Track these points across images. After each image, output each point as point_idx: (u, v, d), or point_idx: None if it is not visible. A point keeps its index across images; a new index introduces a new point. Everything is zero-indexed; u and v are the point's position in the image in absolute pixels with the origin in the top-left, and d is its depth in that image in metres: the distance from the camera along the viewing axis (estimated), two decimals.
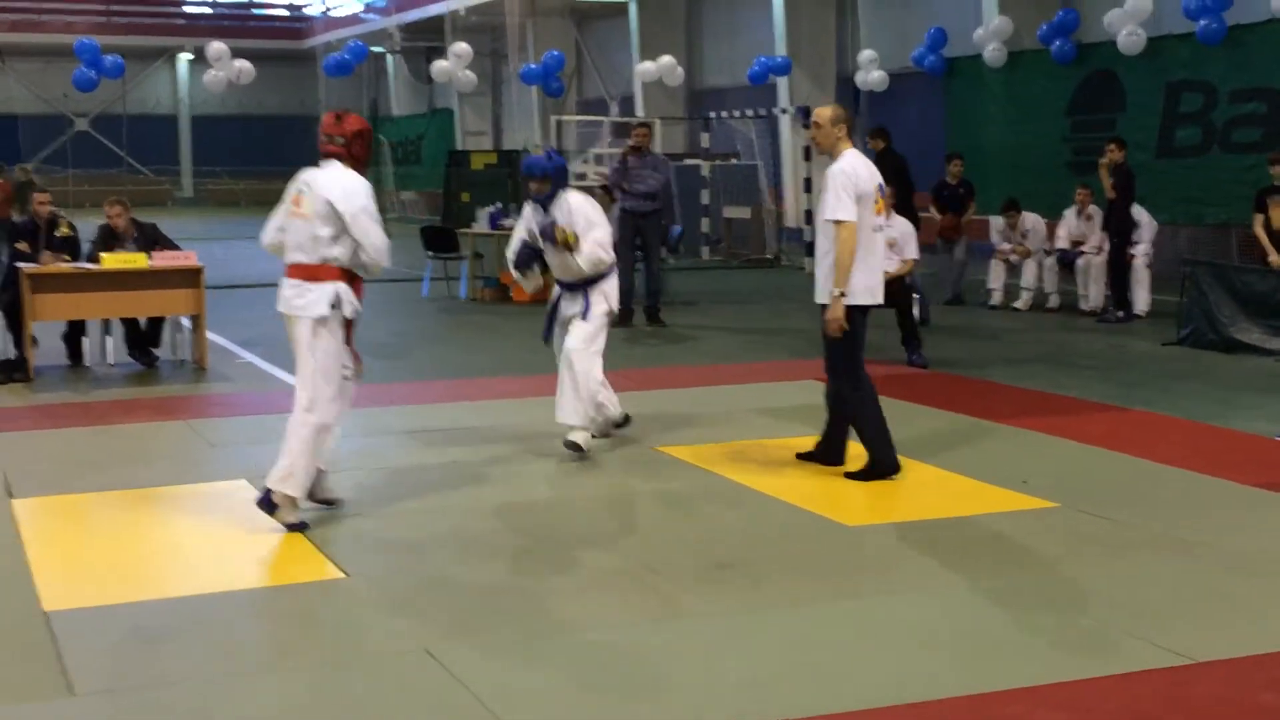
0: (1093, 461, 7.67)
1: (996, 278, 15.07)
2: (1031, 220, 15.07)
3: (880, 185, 7.09)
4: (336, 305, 6.26)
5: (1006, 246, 15.08)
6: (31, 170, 21.97)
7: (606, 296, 7.97)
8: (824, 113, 7.20)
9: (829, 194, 6.95)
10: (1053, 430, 8.38)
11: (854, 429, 7.29)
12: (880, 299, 7.20)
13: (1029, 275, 14.82)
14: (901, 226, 11.39)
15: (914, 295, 11.22)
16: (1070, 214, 14.76)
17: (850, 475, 7.17)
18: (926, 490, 7.00)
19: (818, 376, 10.31)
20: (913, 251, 11.32)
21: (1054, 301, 14.69)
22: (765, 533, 6.21)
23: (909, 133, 22.06)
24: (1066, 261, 14.57)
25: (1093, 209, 14.40)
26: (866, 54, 21.69)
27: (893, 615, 5.13)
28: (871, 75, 21.49)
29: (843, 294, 6.90)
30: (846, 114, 7.21)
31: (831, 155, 7.12)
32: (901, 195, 12.93)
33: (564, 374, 7.74)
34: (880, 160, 13.01)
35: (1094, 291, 14.24)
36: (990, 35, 19.06)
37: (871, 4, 23.13)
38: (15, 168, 22.98)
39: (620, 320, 13.58)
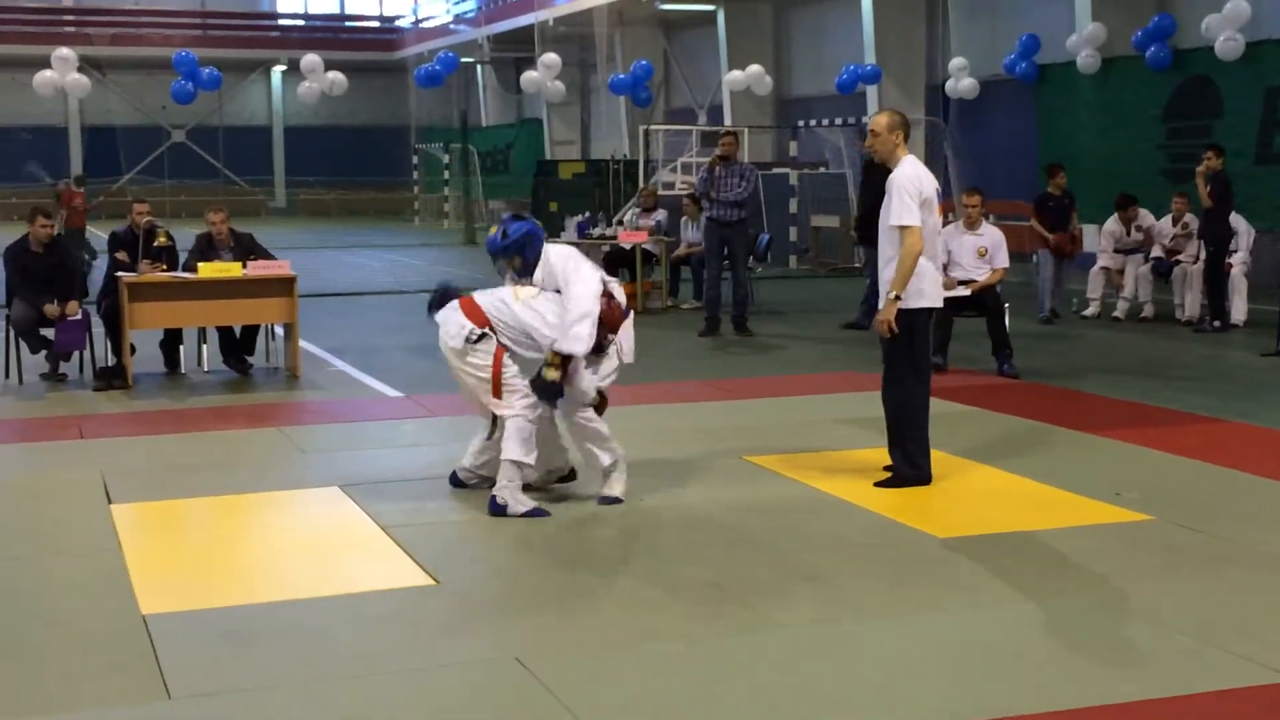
0: (1188, 474, 7.54)
1: (1095, 287, 14.82)
2: (1146, 216, 14.75)
3: (939, 190, 7.10)
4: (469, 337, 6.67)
5: (1107, 258, 14.73)
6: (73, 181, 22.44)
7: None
8: (880, 120, 7.19)
9: (894, 200, 6.95)
10: (1147, 442, 8.25)
11: (896, 429, 7.24)
12: (939, 303, 7.27)
13: (1127, 284, 14.57)
14: (993, 235, 11.29)
15: (1006, 304, 11.09)
16: (1166, 222, 14.52)
17: (880, 485, 7.16)
18: (1017, 502, 6.92)
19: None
20: (1003, 260, 11.22)
21: (1149, 311, 14.45)
22: (853, 543, 6.17)
23: (999, 141, 21.89)
24: (1162, 270, 14.33)
25: (1189, 217, 14.16)
26: (957, 61, 21.53)
27: (979, 629, 5.08)
28: (962, 83, 21.32)
29: (898, 297, 6.92)
30: (903, 120, 7.22)
31: (889, 163, 7.12)
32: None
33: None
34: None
35: (1190, 301, 14.00)
36: (1083, 41, 18.83)
37: (962, 11, 22.95)
38: (60, 180, 23.49)
39: (707, 329, 13.60)
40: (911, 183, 6.92)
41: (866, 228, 11.80)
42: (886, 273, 7.04)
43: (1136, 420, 9.01)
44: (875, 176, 13.17)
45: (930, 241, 7.01)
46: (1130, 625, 5.07)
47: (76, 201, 21.18)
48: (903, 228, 6.90)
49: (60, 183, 22.91)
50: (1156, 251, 14.42)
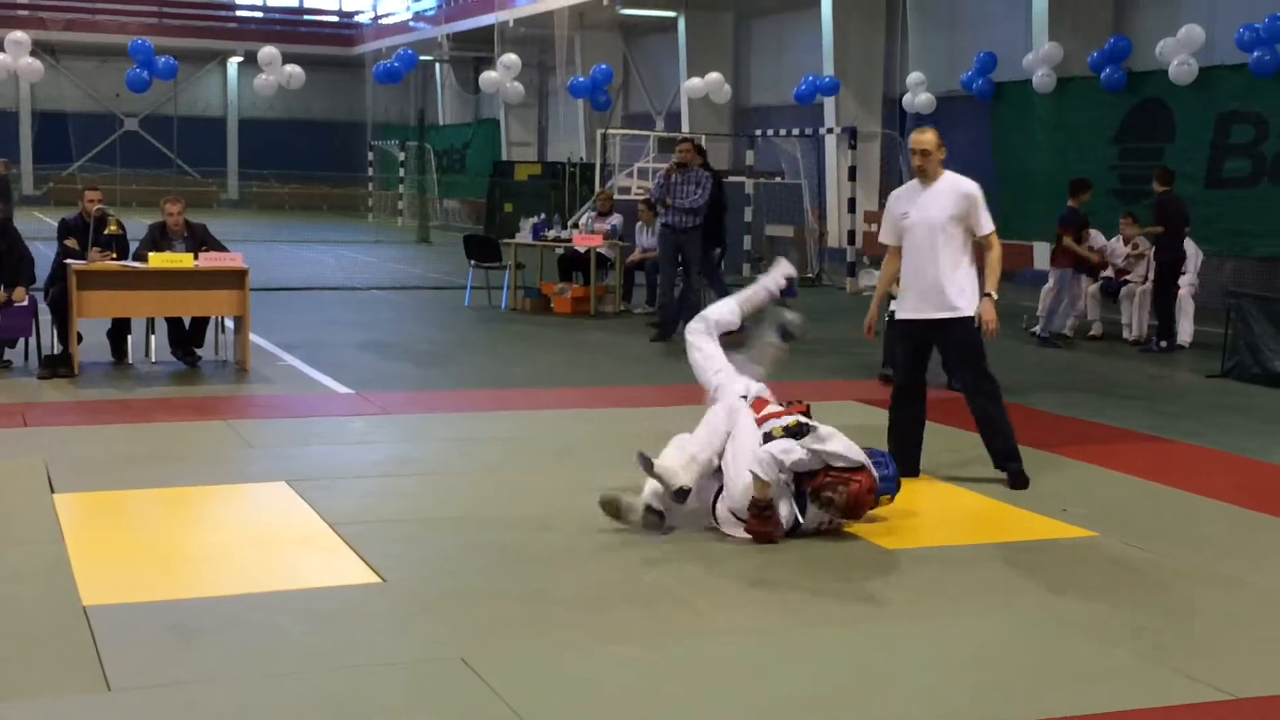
0: (1133, 492, 7.61)
1: (1046, 307, 14.92)
2: (1097, 236, 14.89)
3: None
4: None
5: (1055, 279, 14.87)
6: (9, 165, 21.89)
7: None
8: (929, 138, 7.51)
9: (981, 210, 7.50)
10: (1093, 459, 8.33)
11: (995, 426, 7.61)
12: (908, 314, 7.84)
13: (1077, 302, 14.70)
14: None
15: None
16: (1115, 243, 14.67)
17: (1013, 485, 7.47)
18: (963, 516, 6.96)
19: (859, 397, 10.32)
20: None
21: (1097, 329, 14.59)
22: (799, 552, 6.17)
23: (955, 156, 22.04)
24: (1111, 290, 14.48)
25: (1139, 239, 14.31)
26: (914, 76, 21.66)
27: (923, 641, 5.10)
28: (919, 97, 21.45)
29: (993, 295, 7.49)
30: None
31: (931, 177, 7.51)
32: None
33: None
34: None
35: (1137, 321, 14.14)
36: (1040, 60, 19.00)
37: (921, 26, 23.10)
38: None
39: (659, 335, 13.60)
40: (981, 193, 7.54)
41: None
42: (954, 279, 7.40)
43: (1084, 438, 9.10)
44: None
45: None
46: (1072, 641, 5.10)
47: None
48: (991, 233, 7.52)
49: None
50: (1108, 271, 14.57)
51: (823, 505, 6.24)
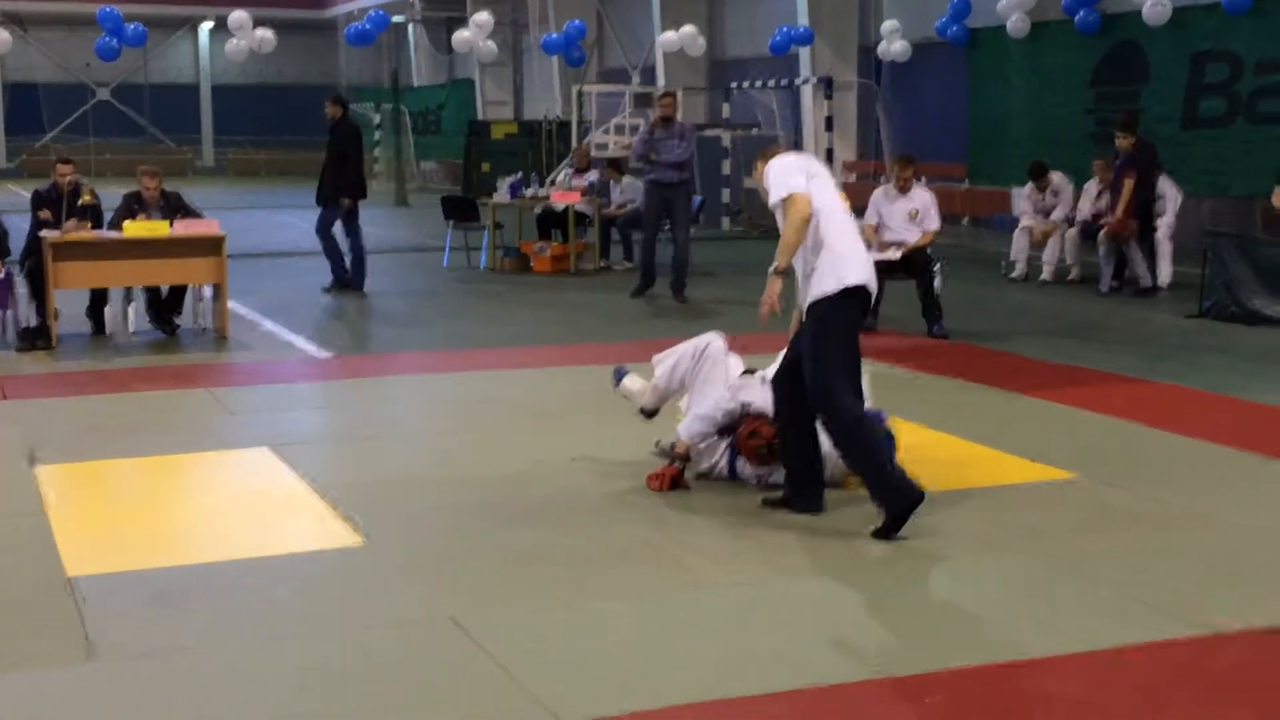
0: (1113, 433, 7.65)
1: (1019, 249, 14.97)
2: (1059, 179, 14.90)
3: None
4: None
5: (1030, 219, 14.92)
6: None
7: None
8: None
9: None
10: (1073, 401, 8.36)
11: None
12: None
13: (1051, 247, 14.73)
14: (923, 198, 11.36)
15: (936, 266, 11.17)
16: (1091, 186, 14.68)
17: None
18: (943, 460, 6.98)
19: None
20: (933, 222, 11.29)
21: (1076, 274, 14.61)
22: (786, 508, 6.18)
23: (931, 104, 21.99)
24: (1089, 234, 14.49)
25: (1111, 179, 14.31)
26: (889, 24, 21.56)
27: (907, 585, 5.14)
28: (894, 46, 21.37)
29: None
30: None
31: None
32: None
33: None
34: None
35: (1109, 266, 14.14)
36: (1013, 6, 18.92)
37: None
38: None
39: (639, 289, 13.56)
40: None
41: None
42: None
43: (1064, 381, 9.13)
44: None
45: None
46: (1054, 581, 5.14)
47: None
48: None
49: None
50: (1084, 214, 14.58)
51: (751, 458, 6.36)
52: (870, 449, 5.81)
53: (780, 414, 6.11)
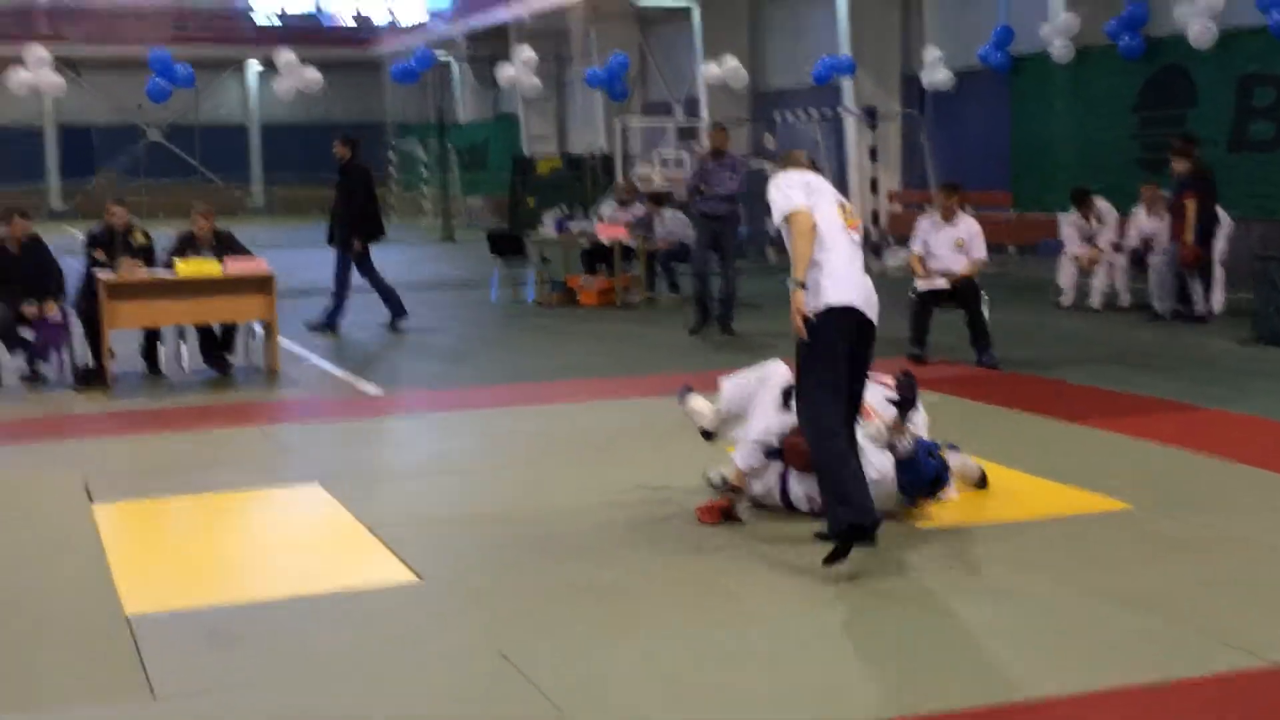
0: (1167, 461, 7.59)
1: (1067, 276, 14.90)
2: (1103, 205, 14.82)
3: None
4: None
5: (1077, 246, 14.82)
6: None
7: None
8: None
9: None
10: (1125, 429, 8.30)
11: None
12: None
13: (1100, 275, 14.64)
14: (969, 226, 11.32)
15: (985, 296, 11.13)
16: (1140, 212, 14.59)
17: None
18: (995, 491, 6.94)
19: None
20: (980, 251, 11.24)
21: (1126, 300, 14.51)
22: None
23: (975, 132, 21.93)
24: (1138, 260, 14.40)
25: (1161, 204, 14.21)
26: (931, 53, 21.57)
27: (962, 618, 5.11)
28: (937, 74, 21.36)
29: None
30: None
31: None
32: None
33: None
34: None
35: (1162, 292, 14.02)
36: (1056, 31, 18.88)
37: (937, 2, 22.99)
38: None
39: (697, 325, 13.34)
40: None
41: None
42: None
43: (1115, 408, 9.07)
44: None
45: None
46: (1110, 612, 5.10)
47: None
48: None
49: None
50: (1132, 240, 14.48)
51: (797, 462, 6.33)
52: (833, 469, 5.75)
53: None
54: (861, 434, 6.24)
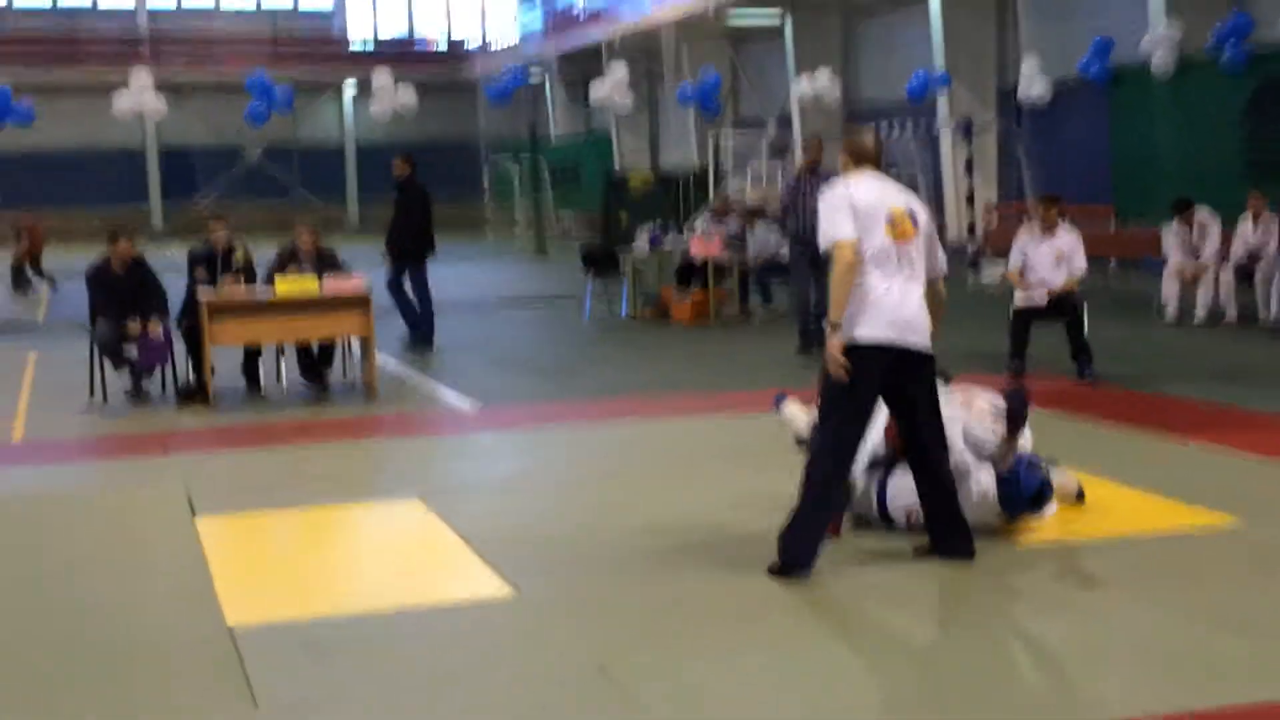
0: (1274, 477, 7.41)
1: (1170, 289, 14.61)
2: (1206, 215, 14.51)
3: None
4: None
5: (1180, 258, 14.54)
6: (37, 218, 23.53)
7: None
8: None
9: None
10: (1231, 444, 8.12)
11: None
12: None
13: (1205, 288, 14.35)
14: (1069, 239, 11.14)
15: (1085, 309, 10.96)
16: (1245, 223, 14.29)
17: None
18: (1100, 508, 6.81)
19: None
20: (1080, 264, 11.06)
21: (1231, 314, 14.20)
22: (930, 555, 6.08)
23: (1073, 144, 21.67)
24: (1244, 272, 14.09)
25: (1268, 214, 13.92)
26: (1029, 65, 21.34)
27: (1062, 635, 5.01)
28: (1034, 87, 21.13)
29: None
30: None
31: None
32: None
33: None
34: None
35: (1275, 302, 13.73)
36: (1158, 42, 18.60)
37: (1033, 14, 22.75)
38: (22, 210, 24.38)
39: (802, 347, 13.08)
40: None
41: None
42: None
43: (1220, 423, 8.88)
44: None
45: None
46: (1216, 631, 4.98)
47: (36, 231, 22.23)
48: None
49: (23, 213, 23.61)
50: (1238, 252, 14.17)
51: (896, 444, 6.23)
52: (815, 493, 5.67)
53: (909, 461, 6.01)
54: (965, 452, 6.15)
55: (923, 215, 5.91)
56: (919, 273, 5.81)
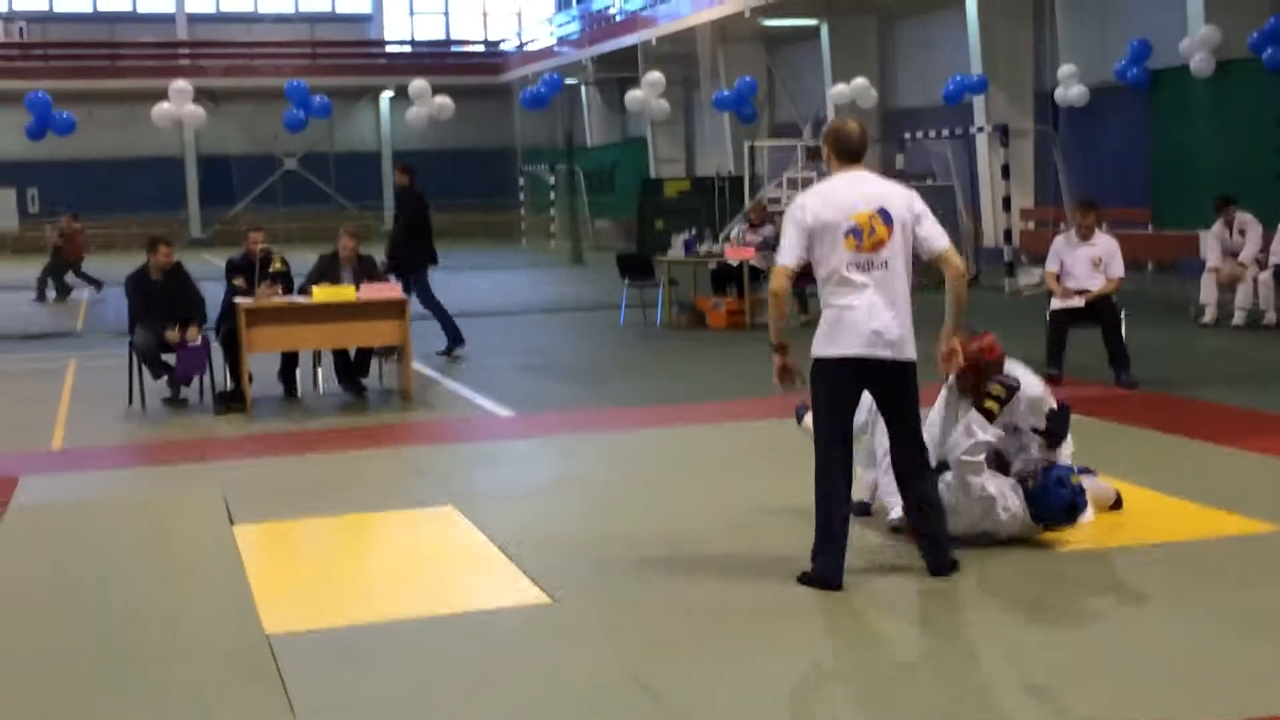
0: None
1: (1209, 292, 14.49)
2: (1246, 217, 14.38)
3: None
4: None
5: (1218, 259, 14.40)
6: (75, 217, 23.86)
7: None
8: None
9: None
10: (1270, 450, 8.05)
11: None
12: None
13: (1243, 291, 14.23)
14: (1107, 244, 11.09)
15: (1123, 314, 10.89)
16: None
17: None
18: (1139, 514, 6.77)
19: None
20: (1118, 269, 11.00)
21: (1271, 318, 14.08)
22: (966, 558, 6.06)
23: (1111, 148, 21.54)
24: None
25: None
26: (1066, 68, 21.22)
27: (1104, 641, 4.99)
28: (1071, 90, 21.01)
29: None
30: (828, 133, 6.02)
31: None
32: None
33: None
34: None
35: None
36: (1197, 45, 18.46)
37: (1070, 17, 22.63)
38: (62, 216, 24.74)
39: None
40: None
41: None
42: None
43: (1259, 428, 8.80)
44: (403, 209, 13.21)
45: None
46: (1255, 637, 4.94)
47: (78, 236, 22.62)
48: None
49: (62, 219, 23.92)
50: (1276, 257, 14.05)
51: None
52: (821, 508, 5.66)
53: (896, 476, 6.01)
54: (988, 483, 6.11)
55: (899, 205, 5.70)
56: (898, 269, 5.68)
